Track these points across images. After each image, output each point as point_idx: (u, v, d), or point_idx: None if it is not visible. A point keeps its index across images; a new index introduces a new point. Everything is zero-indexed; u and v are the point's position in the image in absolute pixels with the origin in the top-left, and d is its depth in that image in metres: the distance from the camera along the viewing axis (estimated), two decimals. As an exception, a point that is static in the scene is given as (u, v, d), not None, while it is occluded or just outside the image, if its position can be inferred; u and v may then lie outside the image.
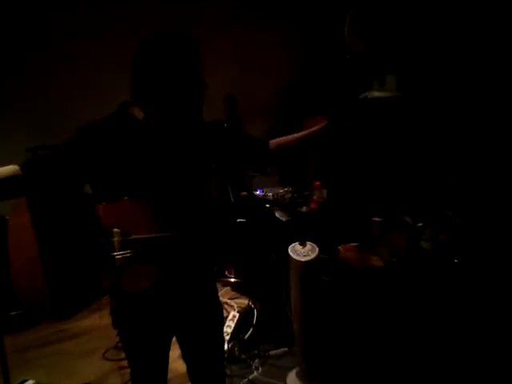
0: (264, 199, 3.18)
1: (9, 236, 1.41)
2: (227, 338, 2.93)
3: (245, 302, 3.21)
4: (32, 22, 4.02)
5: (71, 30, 4.18)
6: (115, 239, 1.39)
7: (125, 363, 2.89)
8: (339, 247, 2.57)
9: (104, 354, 3.08)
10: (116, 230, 1.40)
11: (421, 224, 2.27)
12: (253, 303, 3.22)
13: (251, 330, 3.06)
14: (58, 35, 4.15)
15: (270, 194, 3.17)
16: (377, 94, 2.96)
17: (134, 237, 1.40)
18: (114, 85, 4.19)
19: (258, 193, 3.32)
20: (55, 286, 1.38)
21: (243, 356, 2.90)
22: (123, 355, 2.99)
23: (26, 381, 2.70)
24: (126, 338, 1.62)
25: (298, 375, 2.66)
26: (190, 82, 1.44)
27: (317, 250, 2.46)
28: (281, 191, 3.23)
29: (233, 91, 4.58)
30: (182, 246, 1.48)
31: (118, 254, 1.39)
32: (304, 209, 3.01)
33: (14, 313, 3.51)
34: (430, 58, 2.84)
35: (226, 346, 2.85)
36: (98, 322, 3.11)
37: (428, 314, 2.07)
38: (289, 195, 3.21)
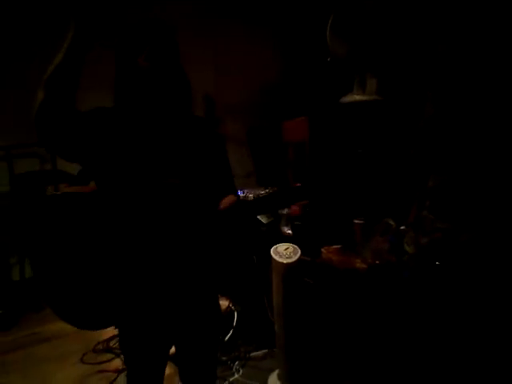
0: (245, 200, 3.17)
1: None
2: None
3: (225, 303, 3.19)
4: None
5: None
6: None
7: (103, 367, 2.89)
8: (322, 249, 2.58)
9: (82, 357, 3.02)
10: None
11: (403, 227, 2.30)
12: (233, 305, 3.21)
13: (231, 331, 3.05)
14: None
15: (251, 195, 3.15)
16: (357, 97, 2.99)
17: None
18: (95, 80, 4.16)
19: (238, 194, 3.30)
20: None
21: (223, 358, 2.89)
22: (101, 358, 2.99)
23: (1, 386, 2.63)
24: (125, 338, 1.60)
25: (280, 377, 2.66)
26: (169, 65, 1.47)
27: (299, 251, 2.46)
28: (262, 192, 3.21)
29: (210, 92, 4.55)
30: (178, 240, 1.46)
31: None
32: (285, 211, 3.01)
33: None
34: (410, 62, 2.88)
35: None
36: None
37: (410, 316, 2.10)
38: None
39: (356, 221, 2.55)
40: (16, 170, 3.93)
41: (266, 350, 2.98)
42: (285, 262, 2.43)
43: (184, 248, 1.48)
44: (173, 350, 1.71)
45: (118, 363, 2.92)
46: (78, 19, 1.32)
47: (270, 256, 2.47)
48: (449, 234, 2.18)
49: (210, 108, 4.43)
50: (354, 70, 3.01)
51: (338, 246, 2.58)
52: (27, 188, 3.87)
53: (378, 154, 2.73)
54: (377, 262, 2.26)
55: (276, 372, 2.71)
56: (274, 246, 2.51)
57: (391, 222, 2.32)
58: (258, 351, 2.99)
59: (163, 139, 1.50)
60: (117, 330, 1.60)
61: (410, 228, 2.28)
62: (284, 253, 2.47)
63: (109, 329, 1.54)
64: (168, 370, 1.79)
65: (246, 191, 3.30)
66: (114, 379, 2.76)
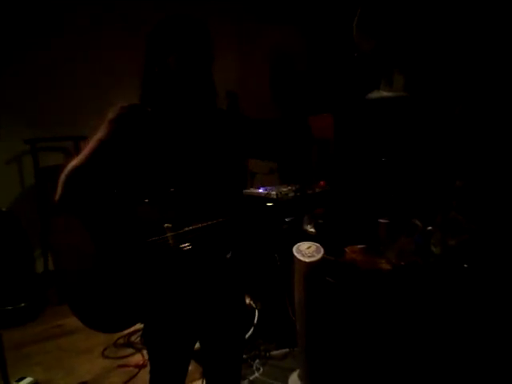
0: (267, 197, 3.14)
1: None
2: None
3: (246, 301, 3.16)
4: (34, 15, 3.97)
5: (73, 23, 4.14)
6: (169, 235, 1.38)
7: (125, 361, 2.91)
8: (345, 248, 2.54)
9: (103, 351, 3.04)
10: (167, 225, 1.37)
11: (430, 228, 2.24)
12: (254, 302, 3.19)
13: (252, 329, 3.03)
14: (59, 27, 4.12)
15: (274, 192, 3.12)
16: (384, 93, 2.93)
17: (185, 229, 1.39)
18: (114, 78, 4.19)
19: (260, 191, 3.27)
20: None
21: (244, 356, 2.87)
22: (122, 353, 3.01)
23: (24, 378, 2.66)
24: (151, 333, 1.60)
25: (300, 377, 2.63)
26: (201, 62, 1.45)
27: (322, 250, 2.42)
28: (284, 189, 3.17)
29: (234, 88, 4.53)
30: (229, 234, 1.49)
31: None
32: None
33: (10, 307, 3.47)
34: (438, 58, 2.81)
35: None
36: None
37: (435, 319, 2.05)
38: (292, 193, 3.16)
39: (381, 220, 2.50)
40: (41, 164, 3.98)
41: (287, 350, 2.95)
42: (307, 260, 2.40)
43: (214, 245, 1.48)
44: (196, 346, 1.70)
45: (138, 358, 2.93)
46: None
47: (292, 254, 2.44)
48: (477, 236, 2.11)
49: (233, 103, 4.41)
50: (380, 66, 2.95)
51: (362, 246, 2.53)
52: (49, 181, 3.91)
53: (405, 152, 2.66)
54: (401, 262, 2.21)
55: (297, 372, 2.68)
56: (297, 245, 2.48)
57: (418, 223, 2.26)
58: (278, 350, 2.97)
59: (192, 141, 1.49)
60: (141, 325, 1.59)
61: (438, 229, 2.21)
62: (306, 251, 2.43)
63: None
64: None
65: (268, 188, 3.27)
66: (135, 374, 2.77)
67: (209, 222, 1.41)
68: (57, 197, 1.38)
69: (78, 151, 4.05)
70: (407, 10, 2.81)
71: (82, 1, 4.17)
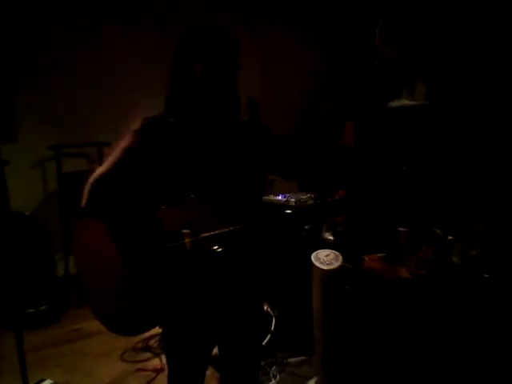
0: (286, 205, 3.15)
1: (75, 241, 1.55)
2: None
3: (263, 307, 3.16)
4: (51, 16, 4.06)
5: (98, 32, 4.21)
6: (186, 240, 1.40)
7: (144, 365, 2.93)
8: (364, 257, 2.52)
9: (122, 355, 3.07)
10: (185, 231, 1.40)
11: (451, 237, 2.22)
12: (271, 309, 3.19)
13: (269, 336, 3.02)
14: (97, 41, 4.20)
15: (293, 199, 3.13)
16: (406, 102, 2.92)
17: (203, 235, 1.41)
18: (139, 86, 4.25)
19: (279, 198, 3.29)
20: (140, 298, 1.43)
21: (261, 363, 2.87)
22: (142, 357, 3.03)
23: (44, 380, 2.69)
24: (170, 338, 1.62)
25: (318, 385, 2.62)
26: (227, 72, 1.49)
27: (340, 258, 2.41)
28: (303, 197, 3.18)
29: (255, 94, 4.55)
30: (248, 239, 1.49)
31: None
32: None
33: (32, 310, 3.53)
34: (461, 67, 2.79)
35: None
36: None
37: (456, 329, 2.02)
38: (311, 201, 3.16)
39: (401, 229, 2.48)
40: (64, 169, 4.05)
41: (304, 357, 2.94)
42: (325, 268, 2.39)
43: (232, 252, 1.49)
44: (214, 352, 1.72)
45: (156, 363, 2.95)
46: None
47: (310, 262, 2.43)
48: (498, 245, 2.09)
49: (254, 111, 4.43)
50: (402, 75, 2.94)
51: (382, 255, 2.51)
52: (72, 186, 3.99)
53: (426, 161, 2.65)
54: (421, 272, 2.19)
55: (314, 379, 2.67)
56: (315, 252, 2.47)
57: (438, 232, 2.24)
58: (295, 357, 2.96)
59: (214, 150, 1.52)
60: (160, 329, 1.61)
61: (458, 238, 2.19)
62: (325, 259, 2.42)
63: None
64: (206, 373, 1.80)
65: (287, 196, 3.28)
66: (153, 378, 2.79)
67: (225, 229, 1.43)
68: (83, 202, 1.42)
69: (100, 157, 4.14)
70: (430, 18, 2.80)
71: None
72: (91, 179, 1.42)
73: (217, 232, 1.42)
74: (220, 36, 1.48)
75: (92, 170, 1.45)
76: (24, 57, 3.93)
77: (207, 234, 1.42)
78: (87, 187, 1.42)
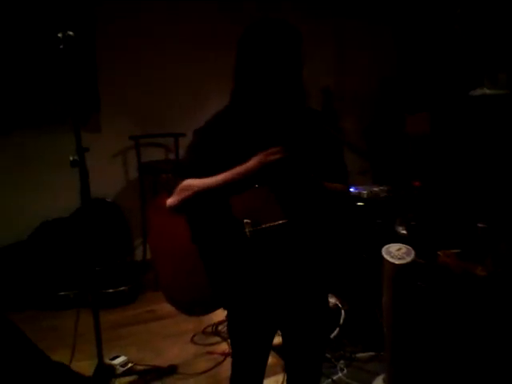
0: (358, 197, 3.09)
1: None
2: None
3: (331, 300, 3.13)
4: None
5: (176, 26, 4.33)
6: (247, 230, 1.44)
7: (212, 349, 3.01)
8: (438, 252, 2.42)
9: (192, 338, 3.17)
10: (247, 220, 1.43)
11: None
12: (341, 303, 3.15)
13: (338, 329, 2.99)
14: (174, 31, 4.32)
15: (365, 192, 3.07)
16: (488, 91, 2.77)
17: (264, 226, 1.43)
18: (215, 78, 4.34)
19: (351, 190, 3.23)
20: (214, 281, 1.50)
21: (328, 355, 2.84)
22: (211, 340, 3.12)
23: (118, 356, 2.85)
24: (234, 322, 1.66)
25: (385, 382, 2.56)
26: (287, 67, 1.45)
27: (413, 253, 2.33)
28: (376, 189, 3.11)
29: (329, 84, 4.49)
30: (308, 232, 1.50)
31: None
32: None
33: (112, 290, 3.75)
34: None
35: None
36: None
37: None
38: (384, 194, 3.08)
39: (479, 225, 2.35)
40: (144, 159, 4.24)
41: (373, 353, 2.88)
42: (396, 262, 2.32)
43: (303, 240, 1.50)
44: (278, 340, 1.73)
45: (224, 347, 3.01)
46: None
47: (381, 255, 2.38)
48: None
49: (328, 101, 4.37)
50: (483, 64, 2.79)
51: (457, 251, 2.40)
52: (151, 175, 4.17)
53: (509, 152, 2.49)
54: (499, 269, 2.07)
55: (381, 376, 2.60)
56: (386, 246, 2.41)
57: (519, 228, 2.11)
58: (363, 353, 2.90)
59: (280, 140, 1.50)
60: (226, 314, 1.65)
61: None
62: (396, 253, 2.36)
63: (218, 313, 1.62)
64: (271, 360, 1.82)
65: (359, 188, 3.22)
66: (221, 362, 2.85)
67: (286, 220, 1.43)
68: (171, 204, 1.51)
69: (177, 147, 4.26)
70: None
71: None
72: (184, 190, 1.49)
73: (278, 223, 1.43)
74: (282, 29, 1.45)
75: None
76: (107, 54, 4.12)
77: (268, 225, 1.43)
78: (179, 196, 1.50)
